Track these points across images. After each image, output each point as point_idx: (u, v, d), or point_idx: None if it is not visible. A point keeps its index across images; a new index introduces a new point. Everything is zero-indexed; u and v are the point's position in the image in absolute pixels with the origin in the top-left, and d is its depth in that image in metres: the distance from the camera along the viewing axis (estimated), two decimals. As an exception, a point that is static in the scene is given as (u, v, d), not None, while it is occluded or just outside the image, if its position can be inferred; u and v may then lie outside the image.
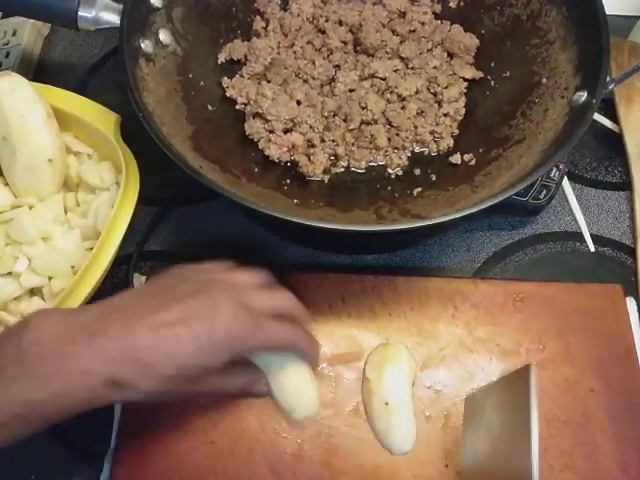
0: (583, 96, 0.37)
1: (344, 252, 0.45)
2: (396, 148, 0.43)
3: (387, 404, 0.36)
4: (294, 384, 0.33)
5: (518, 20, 0.44)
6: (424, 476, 0.36)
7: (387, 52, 0.46)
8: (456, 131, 0.44)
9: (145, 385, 0.27)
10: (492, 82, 0.45)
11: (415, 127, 0.43)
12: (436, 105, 0.44)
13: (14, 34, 0.56)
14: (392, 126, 0.43)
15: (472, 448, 0.34)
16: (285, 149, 0.42)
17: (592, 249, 0.45)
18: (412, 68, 0.45)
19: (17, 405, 0.25)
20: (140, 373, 0.27)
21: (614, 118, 0.49)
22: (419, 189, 0.41)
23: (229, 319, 0.29)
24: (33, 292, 0.40)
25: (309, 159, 0.42)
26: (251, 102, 0.44)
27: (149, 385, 0.27)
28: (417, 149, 0.43)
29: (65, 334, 0.27)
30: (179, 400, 0.32)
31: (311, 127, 0.43)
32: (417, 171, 0.42)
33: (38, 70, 0.56)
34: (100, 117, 0.43)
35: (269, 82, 0.45)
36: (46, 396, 0.26)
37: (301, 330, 0.33)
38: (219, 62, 0.46)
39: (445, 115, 0.43)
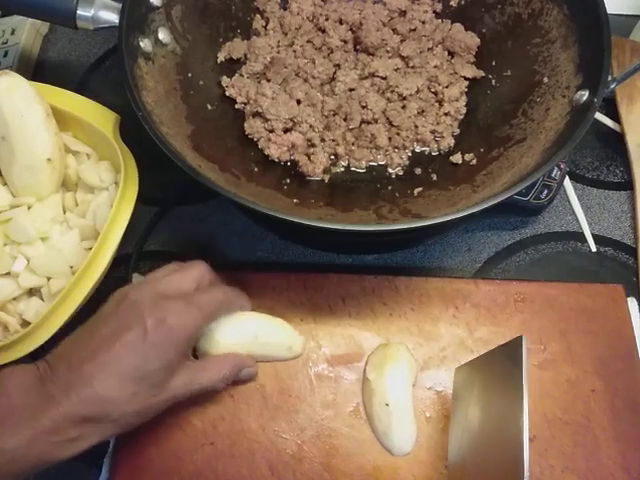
0: (584, 95, 0.37)
1: (344, 252, 0.45)
2: (396, 147, 0.43)
3: (387, 405, 0.36)
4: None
5: (519, 19, 0.44)
6: (424, 477, 0.36)
7: (387, 51, 0.46)
8: (457, 130, 0.44)
9: (115, 414, 0.29)
10: (493, 81, 0.45)
11: (416, 126, 0.43)
12: (437, 104, 0.44)
13: (13, 33, 0.55)
14: (392, 125, 0.43)
15: (460, 433, 0.34)
16: (285, 148, 0.42)
17: (593, 249, 0.45)
18: (413, 67, 0.45)
19: None
20: (104, 405, 0.28)
21: (615, 117, 0.49)
22: (420, 189, 0.40)
23: (158, 314, 0.30)
24: (32, 292, 0.40)
25: (309, 158, 0.42)
26: (251, 101, 0.44)
27: (118, 413, 0.29)
28: (418, 148, 0.43)
29: (31, 386, 0.28)
30: (163, 411, 0.32)
31: (311, 126, 0.42)
32: (418, 171, 0.42)
33: (37, 69, 0.56)
34: (99, 116, 0.42)
35: (269, 81, 0.44)
36: (17, 443, 0.26)
37: (222, 288, 0.35)
38: (218, 61, 0.46)
39: (446, 114, 0.43)
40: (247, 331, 0.37)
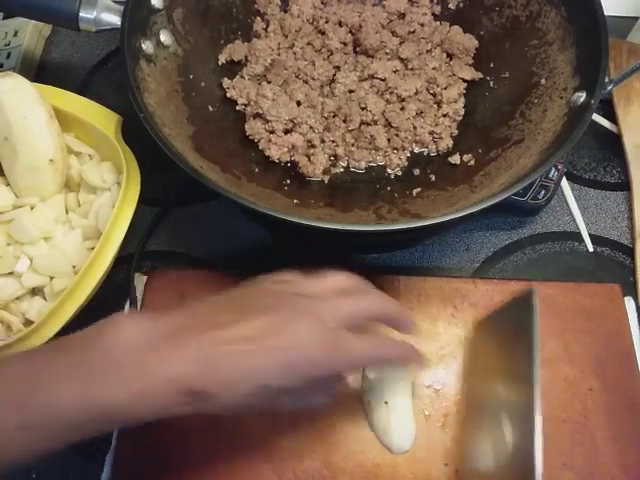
0: (582, 97, 0.37)
1: (344, 252, 0.45)
2: (395, 148, 0.43)
3: (387, 403, 0.36)
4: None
5: (517, 21, 0.44)
6: (423, 475, 0.36)
7: (387, 53, 0.46)
8: (455, 132, 0.44)
9: (226, 399, 0.27)
10: (491, 83, 0.45)
11: (414, 128, 0.43)
12: (435, 106, 0.44)
13: (15, 35, 0.56)
14: (392, 127, 0.43)
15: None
16: (285, 149, 0.43)
17: (591, 249, 0.45)
18: (411, 69, 0.45)
19: (97, 406, 0.25)
20: (220, 388, 0.26)
21: (613, 119, 0.49)
22: (418, 189, 0.41)
23: (307, 341, 0.27)
24: (34, 292, 0.41)
25: (309, 159, 0.42)
26: (251, 103, 0.44)
27: (230, 399, 0.27)
28: (416, 149, 0.44)
29: (146, 341, 0.26)
30: (258, 413, 0.31)
31: (311, 128, 0.43)
32: (416, 171, 0.42)
33: (39, 71, 0.56)
34: (101, 118, 0.43)
35: (269, 83, 0.45)
36: (125, 400, 0.25)
37: (385, 338, 0.31)
38: (220, 63, 0.46)
39: (444, 116, 0.44)
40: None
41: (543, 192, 0.44)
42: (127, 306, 0.42)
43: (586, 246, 0.45)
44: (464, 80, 0.45)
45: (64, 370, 0.26)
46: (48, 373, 0.25)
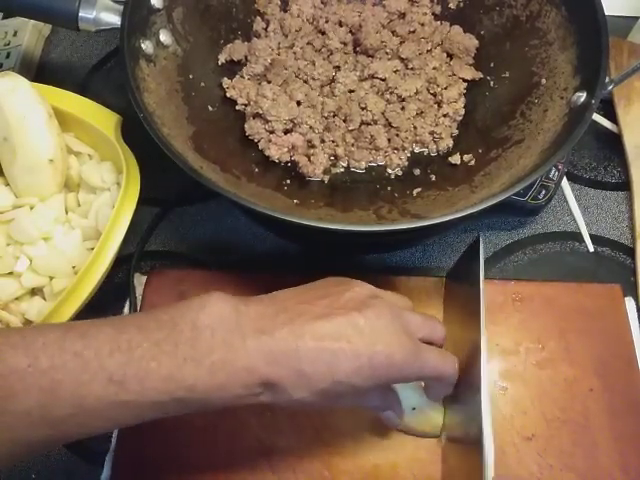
0: (582, 97, 0.37)
1: (344, 252, 0.45)
2: (396, 148, 0.43)
3: (414, 409, 0.36)
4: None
5: (517, 21, 0.44)
6: (424, 475, 0.36)
7: (387, 53, 0.46)
8: (455, 131, 0.44)
9: (298, 394, 0.27)
10: (491, 83, 0.45)
11: (415, 128, 0.43)
12: (436, 106, 0.44)
13: (15, 35, 0.56)
14: (392, 127, 0.43)
15: None
16: (285, 149, 0.42)
17: (591, 249, 0.45)
18: (412, 69, 0.45)
19: (181, 389, 0.25)
20: (297, 382, 0.27)
21: (613, 119, 0.49)
22: (419, 189, 0.41)
23: (392, 343, 0.28)
24: (34, 292, 0.41)
25: (309, 159, 0.42)
26: (251, 103, 0.44)
27: (301, 394, 0.27)
28: (417, 149, 0.44)
29: (236, 326, 0.27)
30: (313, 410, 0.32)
31: (311, 128, 0.43)
32: (417, 171, 0.42)
33: (39, 71, 0.56)
34: (101, 117, 0.43)
35: (269, 83, 0.45)
36: (209, 385, 0.25)
37: (451, 358, 0.31)
38: (219, 63, 0.46)
39: (445, 116, 0.44)
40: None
41: (543, 192, 0.44)
42: (127, 306, 0.42)
43: (587, 246, 0.45)
44: (464, 80, 0.45)
45: (156, 349, 0.25)
46: (140, 349, 0.25)
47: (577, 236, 0.45)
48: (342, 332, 0.27)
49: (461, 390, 0.32)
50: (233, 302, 0.28)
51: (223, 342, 0.26)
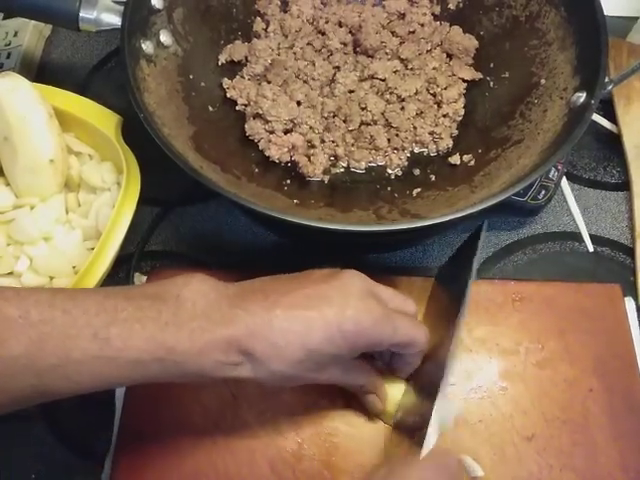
0: (582, 97, 0.37)
1: (344, 252, 0.45)
2: (395, 149, 0.43)
3: None
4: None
5: (517, 21, 0.44)
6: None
7: (387, 53, 0.46)
8: (455, 132, 0.44)
9: (274, 366, 0.28)
10: (491, 83, 0.45)
11: (414, 128, 0.43)
12: (435, 106, 0.44)
13: (15, 35, 0.56)
14: (392, 127, 0.43)
15: None
16: (285, 150, 0.43)
17: (591, 249, 0.45)
18: (411, 69, 0.45)
19: (162, 349, 0.27)
20: (272, 353, 0.28)
21: (613, 119, 0.49)
22: (418, 189, 0.41)
23: (361, 309, 0.29)
24: (34, 292, 0.41)
25: (309, 160, 0.42)
26: (251, 103, 0.44)
27: (278, 366, 0.28)
28: (416, 150, 0.44)
29: (215, 301, 0.28)
30: (298, 385, 0.32)
31: (311, 128, 0.43)
32: (416, 171, 0.42)
33: (39, 71, 0.56)
34: (101, 118, 0.43)
35: (269, 83, 0.45)
36: (189, 348, 0.27)
37: (423, 326, 0.33)
38: (220, 63, 0.46)
39: (444, 116, 0.44)
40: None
41: (543, 192, 0.44)
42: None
43: (586, 246, 0.45)
44: (464, 80, 0.45)
45: (140, 313, 0.27)
46: (125, 311, 0.27)
47: (577, 236, 0.45)
48: (311, 302, 0.29)
49: (424, 377, 0.33)
50: (213, 282, 0.30)
51: (203, 313, 0.28)
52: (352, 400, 0.37)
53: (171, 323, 0.27)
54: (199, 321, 0.27)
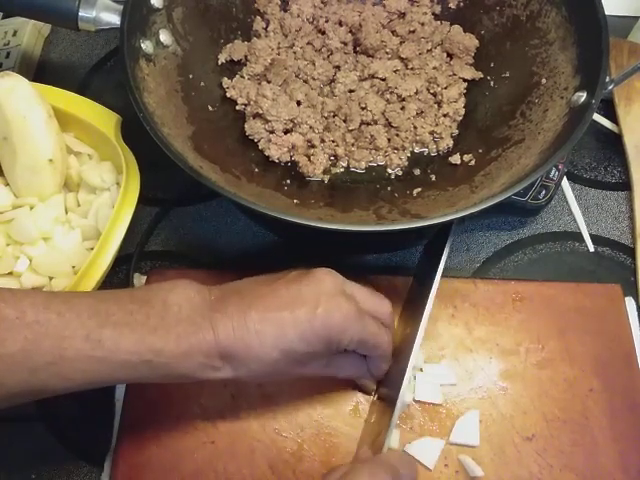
0: (582, 96, 0.37)
1: (344, 252, 0.45)
2: (396, 148, 0.43)
3: None
4: None
5: (517, 21, 0.44)
6: (424, 475, 0.36)
7: (387, 53, 0.46)
8: (456, 131, 0.44)
9: (253, 365, 0.30)
10: (492, 82, 0.45)
11: (415, 127, 0.43)
12: (436, 106, 0.44)
13: (14, 34, 0.56)
14: (392, 126, 0.43)
15: None
16: (285, 149, 0.42)
17: (591, 249, 0.45)
18: (412, 69, 0.45)
19: (151, 351, 0.28)
20: (249, 354, 0.29)
21: (613, 118, 0.49)
22: (419, 189, 0.41)
23: (332, 306, 0.30)
24: (34, 292, 0.41)
25: (309, 159, 0.42)
26: (251, 102, 0.44)
27: (256, 366, 0.30)
28: (417, 149, 0.44)
29: (199, 306, 0.30)
30: (286, 379, 0.34)
31: (311, 127, 0.43)
32: (417, 171, 0.42)
33: (39, 70, 0.56)
34: (101, 117, 0.43)
35: (269, 83, 0.45)
36: (175, 351, 0.29)
37: (389, 333, 0.34)
38: (219, 63, 0.46)
39: (445, 115, 0.44)
40: None
41: (544, 192, 0.44)
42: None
43: (587, 246, 0.45)
44: (464, 80, 0.45)
45: (129, 316, 0.29)
46: (115, 315, 0.28)
47: (577, 236, 0.45)
48: (284, 303, 0.30)
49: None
50: (197, 287, 0.31)
51: (188, 317, 0.29)
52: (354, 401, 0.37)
53: (159, 327, 0.29)
54: (184, 325, 0.29)
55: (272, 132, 0.43)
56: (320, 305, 0.30)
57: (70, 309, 0.28)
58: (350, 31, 0.47)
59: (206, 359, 0.29)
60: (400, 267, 0.45)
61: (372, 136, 0.42)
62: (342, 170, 0.43)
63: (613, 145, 0.49)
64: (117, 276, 0.44)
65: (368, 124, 0.43)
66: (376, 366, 0.35)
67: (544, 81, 0.41)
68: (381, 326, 0.33)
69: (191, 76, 0.43)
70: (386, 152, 0.43)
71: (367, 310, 0.32)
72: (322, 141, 0.43)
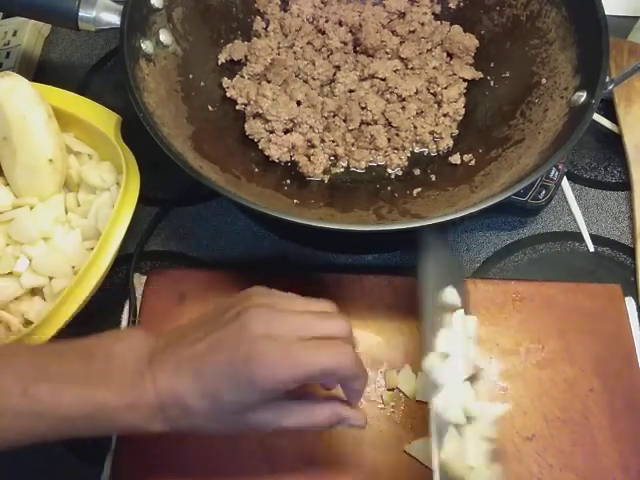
0: (582, 96, 0.37)
1: (344, 252, 0.45)
2: (396, 148, 0.43)
3: None
4: None
5: (518, 20, 0.44)
6: (424, 476, 0.36)
7: (387, 52, 0.46)
8: (456, 131, 0.44)
9: (193, 420, 0.28)
10: (492, 82, 0.45)
11: (415, 127, 0.43)
12: (436, 105, 0.44)
13: (15, 34, 0.56)
14: (392, 126, 0.43)
15: None
16: (285, 149, 0.42)
17: (591, 249, 0.45)
18: (412, 68, 0.45)
19: (91, 405, 0.27)
20: (179, 409, 0.28)
21: (613, 118, 0.49)
22: (419, 189, 0.41)
23: (250, 352, 0.27)
24: (34, 292, 0.40)
25: (309, 159, 0.42)
26: (251, 102, 0.44)
27: (191, 421, 0.28)
28: (417, 149, 0.44)
29: (143, 356, 0.29)
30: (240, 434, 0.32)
31: (311, 127, 0.43)
32: (417, 171, 0.42)
33: (39, 70, 0.56)
34: (100, 117, 0.43)
35: (269, 82, 0.45)
36: (117, 404, 0.27)
37: (345, 349, 0.28)
38: (219, 62, 0.46)
39: (445, 115, 0.44)
40: None
41: (544, 192, 0.44)
42: (126, 306, 0.42)
43: (587, 246, 0.45)
44: (464, 80, 0.45)
45: (70, 369, 0.28)
46: (55, 368, 0.28)
47: (577, 236, 0.45)
48: (211, 352, 0.28)
49: None
50: (144, 337, 0.30)
51: (132, 368, 0.28)
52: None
53: (101, 380, 0.28)
54: (128, 376, 0.28)
55: (272, 132, 0.43)
56: (238, 351, 0.27)
57: (9, 364, 0.27)
58: (350, 31, 0.47)
59: (150, 412, 0.28)
60: (400, 267, 0.45)
61: (372, 136, 0.42)
62: (342, 170, 0.43)
63: (613, 145, 0.49)
64: (117, 276, 0.44)
65: (368, 124, 0.43)
66: (350, 390, 0.31)
67: (544, 81, 0.41)
68: (339, 346, 0.28)
69: (191, 76, 0.43)
70: (386, 152, 0.43)
71: (313, 335, 0.28)
72: (322, 141, 0.43)
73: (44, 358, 0.28)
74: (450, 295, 0.36)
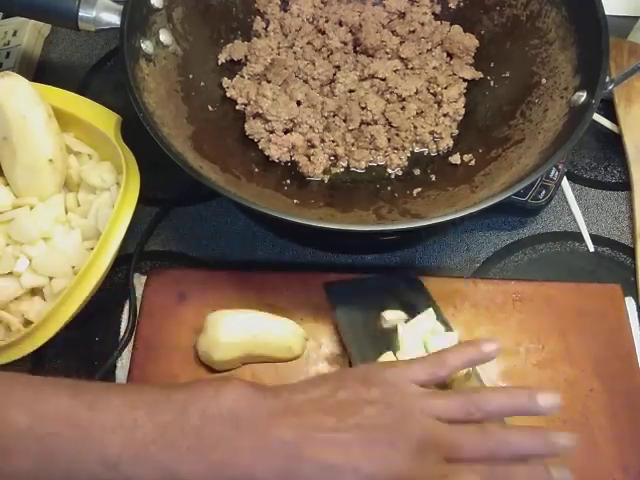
0: (582, 96, 0.37)
1: (344, 252, 0.45)
2: (396, 148, 0.43)
3: None
4: None
5: (517, 20, 0.44)
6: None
7: (387, 52, 0.46)
8: (456, 131, 0.44)
9: None
10: (492, 82, 0.45)
11: (415, 127, 0.43)
12: (436, 105, 0.44)
13: (14, 34, 0.56)
14: (392, 126, 0.43)
15: None
16: (285, 149, 0.42)
17: (591, 249, 0.45)
18: (412, 68, 0.45)
19: (167, 476, 0.24)
20: None
21: (613, 118, 0.49)
22: (419, 189, 0.41)
23: (402, 468, 0.24)
24: (34, 292, 0.40)
25: (309, 159, 0.42)
26: (251, 102, 0.44)
27: None
28: (417, 149, 0.44)
29: (246, 423, 0.25)
30: None
31: (311, 127, 0.43)
32: (417, 171, 0.42)
33: (38, 70, 0.56)
34: (100, 117, 0.43)
35: (269, 82, 0.45)
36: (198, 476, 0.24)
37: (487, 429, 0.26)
38: (219, 62, 0.46)
39: (445, 115, 0.44)
40: (247, 330, 0.37)
41: (544, 192, 0.44)
42: (126, 306, 0.42)
43: (587, 246, 0.45)
44: (464, 80, 0.45)
45: (158, 432, 0.24)
46: (143, 429, 0.24)
47: (577, 236, 0.45)
48: (347, 444, 0.24)
49: None
50: (249, 391, 0.26)
51: (229, 440, 0.24)
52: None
53: (192, 449, 0.24)
54: (222, 451, 0.24)
55: (272, 132, 0.43)
56: (391, 463, 0.24)
57: (92, 419, 0.24)
58: (350, 31, 0.47)
59: None
60: (400, 267, 0.45)
61: (372, 136, 0.42)
62: (342, 170, 0.43)
63: (613, 145, 0.49)
64: (117, 276, 0.44)
65: (368, 124, 0.43)
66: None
67: (544, 81, 0.41)
68: (475, 433, 0.26)
69: (191, 76, 0.43)
70: (386, 152, 0.43)
71: (461, 419, 0.26)
72: (322, 141, 0.43)
73: (135, 413, 0.24)
74: (390, 315, 0.37)
